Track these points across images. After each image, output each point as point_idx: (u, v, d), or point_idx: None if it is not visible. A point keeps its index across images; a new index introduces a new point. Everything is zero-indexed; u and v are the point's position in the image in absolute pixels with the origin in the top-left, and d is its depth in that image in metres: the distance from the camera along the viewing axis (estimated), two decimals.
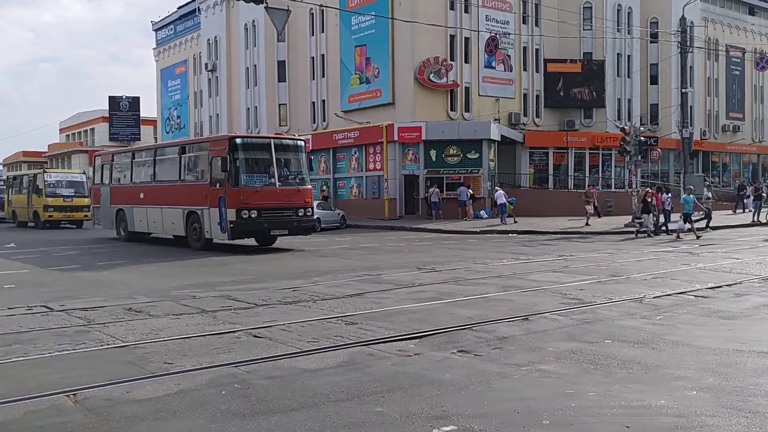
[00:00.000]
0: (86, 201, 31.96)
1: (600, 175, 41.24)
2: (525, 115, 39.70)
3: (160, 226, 20.76)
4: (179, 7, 56.14)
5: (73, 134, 76.59)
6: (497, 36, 37.67)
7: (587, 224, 26.44)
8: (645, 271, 12.81)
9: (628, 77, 42.40)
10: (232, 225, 17.19)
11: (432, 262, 15.03)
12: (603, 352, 6.62)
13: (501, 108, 37.96)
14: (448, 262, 15.05)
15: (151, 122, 64.95)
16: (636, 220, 23.32)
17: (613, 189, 39.68)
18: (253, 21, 44.17)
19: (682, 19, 30.67)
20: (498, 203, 28.31)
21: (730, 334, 7.36)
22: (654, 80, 43.69)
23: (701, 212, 25.78)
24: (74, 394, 5.41)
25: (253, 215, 17.26)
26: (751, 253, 16.51)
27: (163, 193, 20.33)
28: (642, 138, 26.59)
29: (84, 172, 36.32)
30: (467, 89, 37.29)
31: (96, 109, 71.04)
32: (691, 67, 39.73)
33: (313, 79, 42.01)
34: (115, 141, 65.73)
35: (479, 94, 37.51)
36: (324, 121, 40.57)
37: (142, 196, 21.34)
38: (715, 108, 49.03)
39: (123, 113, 66.24)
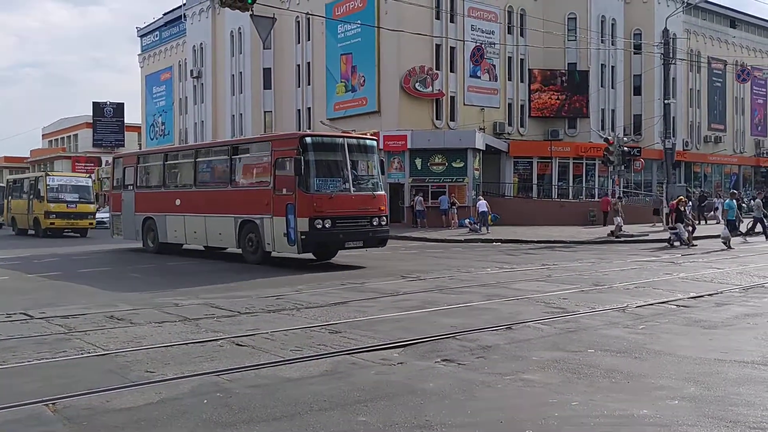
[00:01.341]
0: (92, 207, 30.35)
1: (584, 185, 41.52)
2: (510, 124, 39.94)
3: (202, 237, 18.41)
4: (165, 14, 56.08)
5: (56, 140, 76.03)
6: (483, 46, 37.91)
7: (615, 236, 25.09)
8: (627, 281, 12.87)
9: (612, 88, 42.79)
10: (303, 236, 15.05)
11: (416, 270, 15.03)
12: (586, 361, 6.64)
13: (486, 117, 38.16)
14: (433, 270, 15.06)
15: (136, 128, 64.69)
16: (671, 231, 22.61)
17: (596, 198, 39.95)
18: (239, 28, 44.15)
19: (665, 31, 31.00)
20: (479, 212, 28.43)
21: (712, 344, 7.41)
22: (637, 91, 44.13)
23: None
24: (53, 403, 5.34)
25: (327, 225, 15.12)
26: (732, 263, 16.66)
27: (208, 199, 18.12)
28: (625, 148, 26.83)
29: (90, 176, 34.20)
30: (452, 98, 37.48)
31: (80, 114, 70.60)
32: (673, 78, 40.18)
33: (299, 86, 42.07)
34: (98, 147, 65.40)
35: (464, 104, 37.71)
36: (309, 128, 40.54)
37: (178, 202, 19.10)
38: (697, 119, 49.57)
39: (107, 119, 65.91)
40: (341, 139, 16.18)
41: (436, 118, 36.70)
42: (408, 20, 33.48)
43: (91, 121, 66.24)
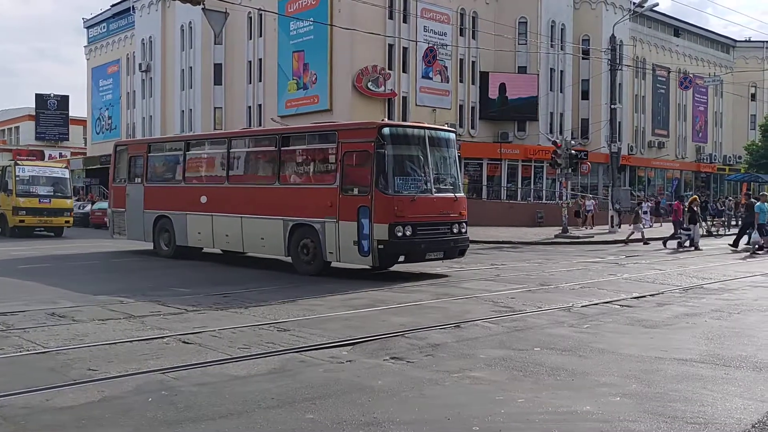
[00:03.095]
0: (68, 203, 26.78)
1: (532, 187, 42.18)
2: (461, 126, 40.26)
3: (236, 241, 15.80)
4: (113, 5, 54.74)
5: None
6: (435, 47, 38.16)
7: (625, 240, 24.22)
8: (573, 281, 13.13)
9: (561, 92, 43.55)
10: (382, 246, 12.71)
11: (365, 269, 15.00)
12: (532, 359, 6.75)
13: (437, 118, 38.34)
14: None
15: (81, 122, 63.01)
16: (683, 232, 21.77)
17: (543, 200, 40.65)
18: (190, 23, 43.46)
19: (612, 37, 31.69)
20: None
21: (653, 342, 7.61)
22: (585, 95, 45.01)
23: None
24: None
25: (407, 233, 12.86)
26: (673, 264, 17.14)
27: (247, 197, 15.48)
28: (573, 151, 27.29)
29: (67, 167, 29.58)
30: (405, 99, 37.65)
31: (22, 106, 68.47)
32: (620, 84, 41.09)
33: (250, 83, 41.67)
34: (41, 141, 63.53)
35: (416, 104, 37.90)
36: (260, 125, 40.16)
37: (204, 200, 16.43)
38: (641, 124, 50.83)
39: (51, 112, 64.04)
40: (422, 131, 13.89)
41: (389, 118, 36.74)
42: (361, 19, 33.45)
43: (34, 114, 64.25)
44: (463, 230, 14.24)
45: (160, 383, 5.78)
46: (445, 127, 14.66)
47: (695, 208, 21.87)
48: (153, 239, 18.01)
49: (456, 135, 14.96)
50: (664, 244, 22.63)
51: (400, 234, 12.77)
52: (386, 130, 13.13)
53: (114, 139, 51.74)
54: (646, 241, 24.24)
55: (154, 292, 11.15)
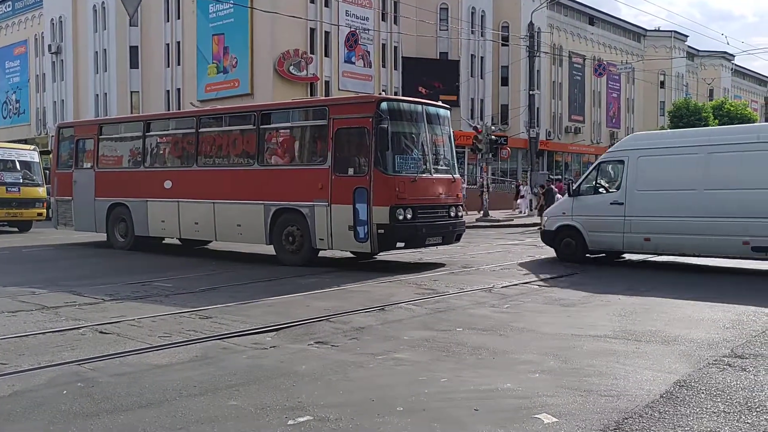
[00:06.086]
0: (40, 192, 22.47)
1: None
2: None
3: (206, 229, 14.53)
4: None
5: None
6: (357, 31, 38.10)
7: None
8: (494, 263, 13.44)
9: (481, 78, 44.26)
10: (382, 231, 11.86)
11: None
12: (454, 339, 6.86)
13: None
14: None
15: None
16: None
17: (465, 185, 41.25)
18: (103, 3, 41.92)
19: (530, 24, 32.41)
20: None
21: (569, 321, 7.86)
22: (505, 82, 45.91)
23: None
24: None
25: (408, 216, 12.03)
26: None
27: (221, 181, 14.29)
28: (493, 137, 27.80)
29: (35, 148, 24.68)
30: (327, 83, 37.49)
31: None
32: (538, 70, 42.06)
33: (168, 66, 40.62)
34: None
35: (339, 89, 37.80)
36: (179, 109, 39.19)
37: (168, 185, 15.08)
38: (559, 110, 52.27)
39: None
40: (420, 106, 13.07)
41: None
42: (282, 2, 33.04)
43: None
44: (460, 214, 13.61)
45: (75, 375, 5.58)
46: (441, 103, 13.97)
47: None
48: (106, 230, 16.58)
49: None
50: None
51: (401, 217, 11.96)
52: (385, 105, 12.25)
53: (23, 124, 49.70)
54: None
55: (69, 282, 10.74)
